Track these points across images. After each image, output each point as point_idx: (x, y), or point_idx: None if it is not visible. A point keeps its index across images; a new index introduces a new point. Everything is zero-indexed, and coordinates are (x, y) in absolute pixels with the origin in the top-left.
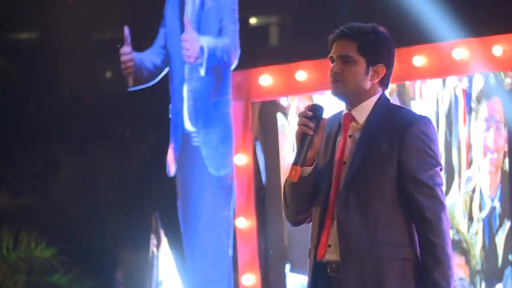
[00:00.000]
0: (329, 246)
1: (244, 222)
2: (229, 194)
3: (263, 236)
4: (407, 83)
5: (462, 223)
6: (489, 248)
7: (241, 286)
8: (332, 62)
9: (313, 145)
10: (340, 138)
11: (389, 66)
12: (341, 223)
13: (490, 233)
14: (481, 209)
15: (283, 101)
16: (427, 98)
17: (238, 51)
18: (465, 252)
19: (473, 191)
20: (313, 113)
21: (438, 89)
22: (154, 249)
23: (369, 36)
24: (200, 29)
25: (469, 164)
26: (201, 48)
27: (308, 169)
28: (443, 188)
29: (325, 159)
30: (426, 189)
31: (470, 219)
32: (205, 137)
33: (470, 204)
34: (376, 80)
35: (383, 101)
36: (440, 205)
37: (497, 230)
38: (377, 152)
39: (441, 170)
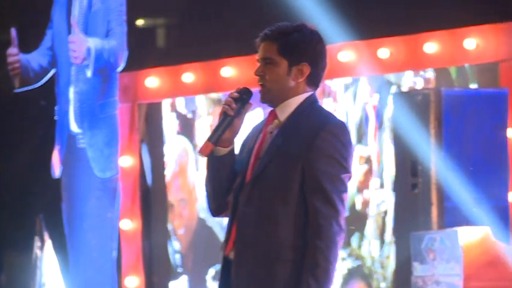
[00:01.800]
0: (234, 242)
1: (129, 224)
2: (114, 196)
3: (148, 238)
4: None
5: (374, 244)
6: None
7: None
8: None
9: (232, 126)
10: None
11: (315, 64)
12: (240, 219)
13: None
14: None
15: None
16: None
17: (126, 53)
18: (366, 277)
19: (386, 213)
20: (240, 95)
21: (348, 106)
22: (38, 251)
23: (291, 36)
24: (87, 31)
25: (381, 185)
26: (88, 50)
27: (223, 150)
28: (347, 196)
29: (247, 154)
30: (324, 195)
31: (382, 241)
32: (91, 138)
33: (382, 226)
34: (301, 79)
35: (310, 101)
36: (335, 212)
37: None
38: (287, 152)
39: (350, 178)
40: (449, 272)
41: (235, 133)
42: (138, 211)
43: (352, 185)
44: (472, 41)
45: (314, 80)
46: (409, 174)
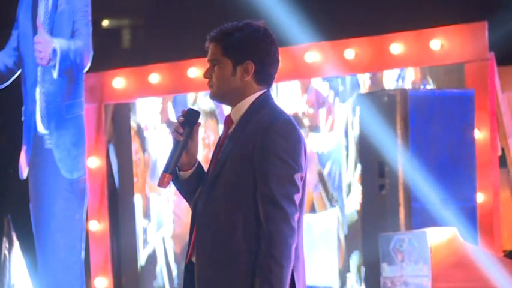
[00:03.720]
0: (194, 248)
1: (97, 225)
2: (82, 197)
3: (116, 239)
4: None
5: None
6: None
7: None
8: None
9: (188, 150)
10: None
11: (260, 61)
12: (198, 224)
13: None
14: None
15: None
16: (336, 129)
17: (91, 53)
18: None
19: None
20: (186, 118)
21: (348, 116)
22: (6, 252)
23: (232, 36)
24: (53, 31)
25: None
26: (54, 51)
27: (187, 173)
28: (299, 195)
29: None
30: (271, 197)
31: None
32: (58, 139)
33: None
34: (247, 78)
35: (261, 100)
36: (284, 214)
37: None
38: (238, 154)
39: (302, 177)
40: (417, 273)
41: (194, 154)
42: (106, 212)
43: None
44: (438, 42)
45: (263, 78)
46: (376, 175)
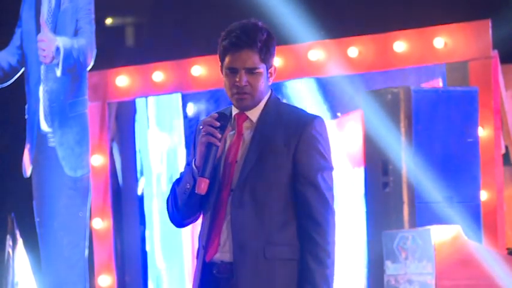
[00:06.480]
0: (220, 246)
1: (101, 223)
2: (85, 195)
3: (119, 237)
4: None
5: None
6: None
7: (98, 287)
8: (231, 72)
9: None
10: (231, 138)
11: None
12: (235, 223)
13: None
14: None
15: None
16: None
17: (95, 51)
18: None
19: None
20: (221, 123)
21: None
22: (10, 250)
23: (266, 42)
24: (56, 30)
25: None
26: (57, 49)
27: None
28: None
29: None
30: (317, 190)
31: None
32: (62, 137)
33: None
34: (271, 81)
35: (274, 98)
36: (329, 208)
37: None
38: (271, 151)
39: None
40: (421, 271)
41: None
42: (109, 210)
43: None
44: (442, 40)
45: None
46: (380, 173)
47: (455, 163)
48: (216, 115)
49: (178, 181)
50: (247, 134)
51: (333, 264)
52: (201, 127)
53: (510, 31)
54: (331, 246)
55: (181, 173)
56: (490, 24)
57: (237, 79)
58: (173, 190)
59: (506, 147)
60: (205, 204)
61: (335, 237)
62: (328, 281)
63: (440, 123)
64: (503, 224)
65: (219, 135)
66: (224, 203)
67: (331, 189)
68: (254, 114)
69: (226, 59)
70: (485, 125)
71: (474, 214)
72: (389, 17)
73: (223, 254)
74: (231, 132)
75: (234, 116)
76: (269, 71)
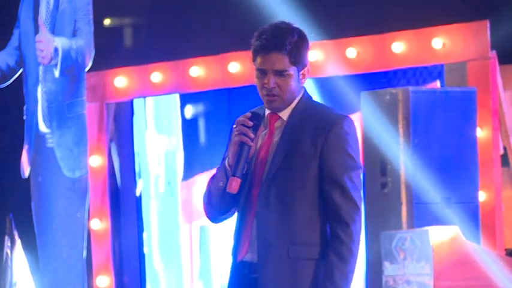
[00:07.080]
0: (250, 245)
1: (99, 224)
2: (83, 196)
3: (118, 238)
4: None
5: None
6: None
7: None
8: (261, 74)
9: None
10: (263, 137)
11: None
12: (260, 221)
13: None
14: None
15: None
16: None
17: (93, 52)
18: None
19: None
20: (254, 122)
21: None
22: (8, 251)
23: (296, 44)
24: (55, 30)
25: None
26: (56, 50)
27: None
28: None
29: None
30: (344, 190)
31: None
32: (60, 138)
33: None
34: (304, 82)
35: (306, 97)
36: (356, 208)
37: None
38: (299, 149)
39: (361, 172)
40: (419, 272)
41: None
42: (108, 211)
43: None
44: (440, 41)
45: None
46: (379, 174)
47: (454, 164)
48: (250, 114)
49: (213, 177)
50: (277, 134)
51: (355, 262)
52: (234, 126)
53: (508, 32)
54: (356, 246)
55: (217, 168)
56: (488, 25)
57: (266, 81)
58: (208, 186)
59: (505, 148)
60: (238, 202)
61: (360, 237)
62: (347, 277)
63: (438, 123)
64: (502, 225)
65: (252, 135)
66: (254, 202)
67: (358, 189)
68: (285, 114)
69: (257, 60)
70: (484, 126)
71: (472, 215)
72: (388, 18)
73: (253, 254)
74: (264, 132)
75: (267, 115)
76: (301, 72)
